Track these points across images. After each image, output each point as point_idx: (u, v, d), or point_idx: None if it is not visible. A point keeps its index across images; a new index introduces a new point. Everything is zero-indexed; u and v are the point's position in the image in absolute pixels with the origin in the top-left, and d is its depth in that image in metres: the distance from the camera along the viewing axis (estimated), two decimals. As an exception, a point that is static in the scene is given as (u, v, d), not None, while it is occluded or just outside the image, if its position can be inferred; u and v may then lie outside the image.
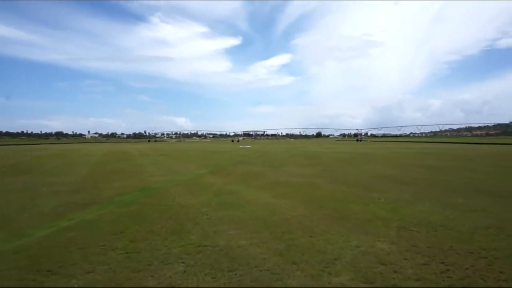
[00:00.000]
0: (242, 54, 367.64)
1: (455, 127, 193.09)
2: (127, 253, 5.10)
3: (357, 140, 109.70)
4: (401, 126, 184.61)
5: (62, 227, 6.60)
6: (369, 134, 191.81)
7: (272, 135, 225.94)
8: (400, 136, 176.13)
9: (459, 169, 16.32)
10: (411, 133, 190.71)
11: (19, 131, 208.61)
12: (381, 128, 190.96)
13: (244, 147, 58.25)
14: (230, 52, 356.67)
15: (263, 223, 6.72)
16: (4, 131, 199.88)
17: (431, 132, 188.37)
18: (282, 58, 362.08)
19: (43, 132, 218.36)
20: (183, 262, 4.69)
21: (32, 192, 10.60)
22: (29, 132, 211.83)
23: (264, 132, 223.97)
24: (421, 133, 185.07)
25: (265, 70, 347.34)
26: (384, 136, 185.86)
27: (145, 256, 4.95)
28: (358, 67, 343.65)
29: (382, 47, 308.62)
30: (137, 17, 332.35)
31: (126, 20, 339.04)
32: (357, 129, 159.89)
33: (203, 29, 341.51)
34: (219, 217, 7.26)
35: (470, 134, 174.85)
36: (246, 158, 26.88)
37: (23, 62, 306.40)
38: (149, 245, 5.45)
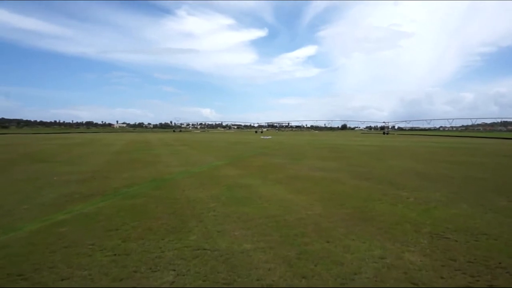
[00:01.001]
0: (267, 46, 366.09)
1: (488, 121, 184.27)
2: (115, 255, 4.48)
3: (384, 133, 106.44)
4: (431, 120, 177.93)
5: (56, 221, 6.08)
6: (396, 127, 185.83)
7: (296, 126, 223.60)
8: (429, 129, 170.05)
9: (496, 166, 14.94)
10: (441, 126, 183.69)
11: (52, 121, 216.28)
12: (410, 121, 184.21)
13: (264, 137, 57.64)
14: (256, 44, 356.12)
15: (274, 223, 5.97)
16: (38, 120, 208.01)
17: (462, 126, 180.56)
18: (308, 50, 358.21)
19: (74, 121, 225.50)
20: (174, 270, 4.01)
21: (41, 182, 10.27)
22: (61, 121, 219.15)
23: (288, 123, 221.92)
24: (452, 127, 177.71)
25: (291, 62, 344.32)
26: (412, 129, 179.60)
27: (134, 260, 4.30)
28: (386, 59, 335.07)
29: (412, 38, 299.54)
30: (164, 10, 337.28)
31: (153, 13, 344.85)
32: (383, 122, 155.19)
33: (229, 21, 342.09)
34: (226, 213, 6.57)
35: (505, 129, 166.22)
36: (267, 149, 26.11)
37: (55, 55, 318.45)
38: (141, 246, 4.81)
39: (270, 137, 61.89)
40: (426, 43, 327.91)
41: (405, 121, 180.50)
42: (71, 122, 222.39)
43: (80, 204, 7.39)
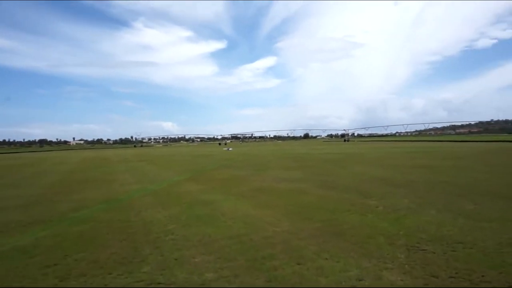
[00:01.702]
0: (227, 58, 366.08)
1: (439, 125, 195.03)
2: (48, 299, 3.72)
3: (345, 141, 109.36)
4: (388, 126, 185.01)
5: (-18, 259, 5.15)
6: (355, 134, 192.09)
7: (260, 137, 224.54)
8: (386, 135, 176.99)
9: (455, 169, 15.30)
10: (397, 132, 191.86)
11: (1, 140, 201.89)
12: (368, 128, 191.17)
13: (227, 149, 57.14)
14: (215, 55, 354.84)
15: (239, 244, 5.40)
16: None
17: (416, 131, 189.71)
18: (267, 61, 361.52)
19: (26, 140, 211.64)
20: (119, 315, 3.34)
21: (-27, 209, 9.04)
22: (11, 140, 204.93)
23: (252, 134, 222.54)
24: (407, 132, 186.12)
25: (251, 73, 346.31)
26: (370, 135, 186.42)
27: (71, 305, 3.57)
28: (341, 68, 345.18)
29: (365, 48, 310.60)
30: (120, 22, 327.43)
31: (108, 25, 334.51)
32: (344, 130, 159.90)
33: (188, 33, 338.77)
34: (186, 236, 5.91)
35: (454, 132, 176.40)
36: (230, 161, 25.51)
37: (2, 69, 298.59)
38: (82, 285, 4.06)
39: (231, 149, 61.34)
40: (379, 53, 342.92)
41: (364, 128, 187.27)
42: (22, 141, 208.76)
43: (16, 235, 6.42)
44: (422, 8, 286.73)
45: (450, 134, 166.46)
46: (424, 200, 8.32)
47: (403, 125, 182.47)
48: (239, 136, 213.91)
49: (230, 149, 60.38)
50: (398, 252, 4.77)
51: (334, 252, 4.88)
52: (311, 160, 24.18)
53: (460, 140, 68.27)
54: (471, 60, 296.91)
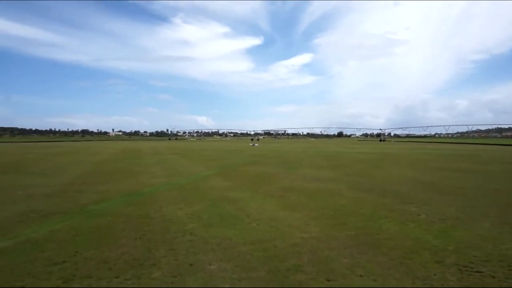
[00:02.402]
0: (263, 54, 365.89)
1: (483, 127, 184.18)
2: (43, 305, 3.34)
3: (380, 140, 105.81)
4: (427, 126, 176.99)
5: (-9, 251, 4.92)
6: (392, 134, 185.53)
7: (292, 134, 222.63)
8: (425, 136, 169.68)
9: (508, 175, 13.92)
10: (436, 133, 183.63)
11: (48, 129, 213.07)
12: (406, 128, 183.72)
13: (253, 145, 56.84)
14: (251, 52, 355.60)
15: (262, 251, 4.83)
16: (33, 129, 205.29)
17: (458, 133, 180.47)
18: (303, 58, 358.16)
19: (69, 130, 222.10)
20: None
21: (2, 196, 9.07)
22: (56, 130, 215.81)
23: (284, 131, 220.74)
24: (447, 133, 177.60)
25: (286, 70, 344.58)
26: (408, 136, 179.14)
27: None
28: (380, 66, 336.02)
29: (406, 45, 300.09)
30: (160, 18, 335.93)
31: (148, 21, 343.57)
32: (380, 129, 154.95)
33: (225, 29, 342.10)
34: (205, 238, 5.42)
35: (500, 136, 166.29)
36: (261, 158, 24.99)
37: (50, 62, 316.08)
38: (84, 290, 3.67)
39: (257, 144, 60.92)
40: (420, 51, 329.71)
41: (402, 128, 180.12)
42: (66, 130, 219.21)
43: (33, 225, 6.21)
44: (468, 3, 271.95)
45: (495, 137, 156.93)
46: (475, 209, 7.37)
47: (444, 126, 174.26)
48: (271, 132, 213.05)
49: (256, 144, 60.06)
50: (448, 273, 4.02)
51: (370, 268, 4.20)
52: (345, 160, 23.17)
53: (507, 143, 63.79)
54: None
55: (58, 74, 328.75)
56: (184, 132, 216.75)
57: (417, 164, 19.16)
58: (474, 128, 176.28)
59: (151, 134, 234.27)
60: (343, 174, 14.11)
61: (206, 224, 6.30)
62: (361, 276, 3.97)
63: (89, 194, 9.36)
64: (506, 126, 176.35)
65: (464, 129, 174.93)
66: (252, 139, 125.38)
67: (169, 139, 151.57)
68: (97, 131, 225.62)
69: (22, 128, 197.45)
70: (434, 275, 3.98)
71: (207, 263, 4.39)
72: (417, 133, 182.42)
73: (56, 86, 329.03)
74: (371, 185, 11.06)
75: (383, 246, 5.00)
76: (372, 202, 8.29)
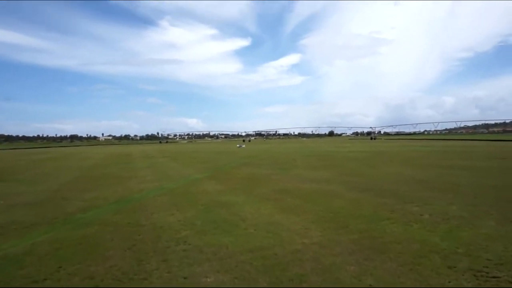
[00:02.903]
0: (251, 55, 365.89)
1: (470, 124, 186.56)
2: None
3: (371, 139, 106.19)
4: (416, 124, 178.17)
5: (-34, 268, 4.49)
6: (382, 132, 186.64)
7: (284, 134, 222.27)
8: (414, 133, 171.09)
9: (502, 171, 13.82)
10: (425, 130, 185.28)
11: (35, 135, 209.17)
12: (396, 126, 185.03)
13: (240, 146, 56.44)
14: (240, 53, 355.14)
15: (261, 259, 4.50)
16: (20, 135, 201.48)
17: (446, 129, 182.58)
18: (291, 58, 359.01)
19: (58, 135, 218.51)
20: None
21: (-18, 207, 8.58)
22: (44, 135, 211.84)
23: (276, 131, 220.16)
24: (436, 130, 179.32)
25: (275, 71, 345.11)
26: (398, 134, 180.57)
27: None
28: (368, 66, 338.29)
29: (392, 44, 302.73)
30: (146, 21, 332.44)
31: (135, 24, 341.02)
32: (370, 127, 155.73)
33: (212, 31, 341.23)
34: (200, 247, 5.07)
35: (487, 131, 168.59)
36: (253, 159, 24.65)
37: (35, 68, 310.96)
38: (67, 312, 3.29)
39: (244, 146, 60.56)
40: (407, 49, 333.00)
41: (392, 125, 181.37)
42: (55, 136, 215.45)
43: (13, 239, 5.79)
44: (453, 3, 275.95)
45: (483, 132, 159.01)
46: (477, 208, 7.14)
47: (433, 123, 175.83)
48: (263, 133, 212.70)
49: (243, 146, 59.69)
50: (463, 280, 3.74)
51: (378, 275, 3.91)
52: (338, 159, 22.96)
53: (495, 139, 64.52)
54: (506, 56, 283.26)
55: (45, 80, 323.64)
56: (175, 135, 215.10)
57: (410, 162, 19.03)
58: (462, 125, 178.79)
59: (142, 137, 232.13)
60: (337, 174, 13.85)
61: (200, 231, 5.94)
62: (370, 286, 3.67)
63: (76, 202, 8.91)
64: (493, 122, 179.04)
65: (452, 125, 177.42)
66: (243, 140, 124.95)
67: (160, 142, 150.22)
68: (86, 136, 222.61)
69: (8, 135, 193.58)
70: (449, 282, 3.70)
71: (203, 276, 4.05)
72: (407, 130, 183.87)
73: (44, 91, 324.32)
74: (367, 184, 10.81)
75: (390, 250, 4.71)
76: (371, 202, 8.02)
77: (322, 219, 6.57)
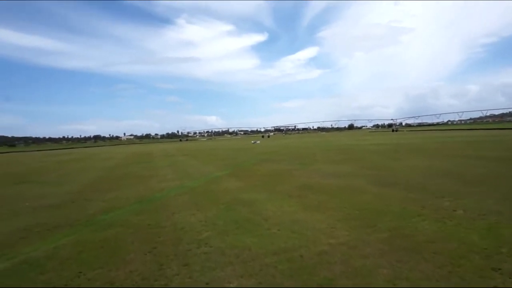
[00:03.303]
0: (268, 50, 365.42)
1: (497, 112, 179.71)
2: None
3: (393, 131, 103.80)
4: (440, 114, 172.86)
5: (-13, 275, 4.46)
6: (403, 123, 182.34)
7: (303, 129, 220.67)
8: (437, 124, 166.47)
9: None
10: (449, 120, 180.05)
11: (61, 136, 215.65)
12: (418, 116, 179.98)
13: (254, 142, 56.13)
14: (256, 48, 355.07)
15: (287, 262, 4.27)
16: (47, 137, 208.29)
17: (471, 119, 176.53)
18: (309, 52, 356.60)
19: (82, 136, 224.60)
20: None
21: (7, 209, 8.69)
22: (69, 137, 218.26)
23: (295, 126, 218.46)
24: (460, 120, 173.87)
25: (292, 65, 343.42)
26: (420, 125, 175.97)
27: None
28: (387, 56, 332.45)
29: (413, 33, 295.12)
30: (163, 20, 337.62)
31: (152, 23, 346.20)
32: (392, 119, 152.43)
33: (228, 27, 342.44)
34: (222, 249, 4.88)
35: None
36: (274, 155, 24.40)
37: (59, 70, 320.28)
38: (86, 322, 3.15)
39: (259, 142, 60.21)
40: (428, 37, 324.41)
41: (414, 116, 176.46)
42: (79, 137, 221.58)
43: (36, 242, 5.76)
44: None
45: (510, 121, 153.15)
46: (516, 201, 6.68)
47: (457, 112, 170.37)
48: (281, 128, 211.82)
49: (257, 142, 59.36)
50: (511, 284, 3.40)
51: (415, 279, 3.61)
52: (360, 152, 22.42)
53: (524, 127, 61.93)
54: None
55: (68, 82, 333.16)
56: (195, 133, 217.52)
57: (436, 153, 18.35)
58: (488, 113, 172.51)
59: (162, 136, 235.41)
60: (360, 168, 13.45)
61: (221, 231, 5.76)
62: (407, 291, 3.38)
63: (98, 203, 8.92)
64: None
65: (477, 114, 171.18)
66: (262, 136, 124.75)
67: (180, 140, 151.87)
68: (109, 136, 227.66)
69: (36, 137, 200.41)
70: (496, 286, 3.36)
71: (225, 281, 3.85)
72: (430, 121, 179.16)
73: (67, 93, 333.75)
74: (392, 178, 10.40)
75: (424, 250, 4.39)
76: (398, 197, 7.65)
77: (348, 216, 6.27)
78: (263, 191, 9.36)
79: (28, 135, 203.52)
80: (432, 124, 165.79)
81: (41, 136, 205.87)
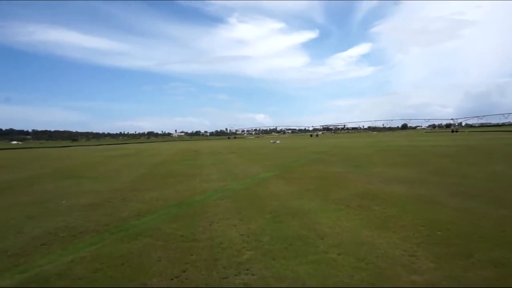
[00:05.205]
0: (319, 47, 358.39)
1: None
2: None
3: (452, 131, 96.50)
4: (508, 113, 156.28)
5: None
6: (463, 124, 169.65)
7: (353, 128, 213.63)
8: (503, 125, 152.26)
9: None
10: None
11: (118, 132, 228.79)
12: (483, 116, 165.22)
13: (274, 142, 54.03)
14: (307, 46, 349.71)
15: (357, 311, 3.06)
16: (106, 132, 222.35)
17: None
18: (361, 48, 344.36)
19: (137, 132, 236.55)
20: None
21: (41, 208, 8.21)
22: (125, 132, 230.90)
23: (344, 125, 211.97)
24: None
25: (343, 62, 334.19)
26: (482, 125, 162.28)
27: None
28: (447, 51, 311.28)
29: (476, 26, 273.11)
30: (216, 19, 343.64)
31: (205, 23, 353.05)
32: (451, 119, 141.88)
33: (280, 25, 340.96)
34: (266, 280, 3.77)
35: None
36: (324, 154, 22.88)
37: (118, 70, 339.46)
38: None
39: (278, 141, 58.10)
40: (493, 30, 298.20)
41: (477, 116, 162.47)
42: (134, 133, 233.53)
43: (55, 251, 5.02)
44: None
45: None
46: None
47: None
48: (330, 127, 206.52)
49: (277, 142, 57.35)
50: None
51: None
52: (421, 154, 20.24)
53: None
54: None
55: (127, 81, 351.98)
56: (243, 131, 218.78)
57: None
58: None
59: (211, 133, 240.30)
60: (427, 173, 11.71)
61: (266, 252, 4.64)
62: None
63: (134, 204, 8.22)
64: None
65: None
66: (311, 135, 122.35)
67: (228, 138, 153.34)
68: (161, 133, 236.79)
69: (96, 132, 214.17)
70: None
71: (271, 337, 2.73)
72: (495, 121, 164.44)
73: (126, 92, 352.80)
74: (471, 188, 8.68)
75: None
76: (489, 215, 6.07)
77: (429, 239, 4.88)
78: (316, 198, 8.13)
79: (90, 130, 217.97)
80: (498, 125, 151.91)
81: (101, 132, 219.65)
